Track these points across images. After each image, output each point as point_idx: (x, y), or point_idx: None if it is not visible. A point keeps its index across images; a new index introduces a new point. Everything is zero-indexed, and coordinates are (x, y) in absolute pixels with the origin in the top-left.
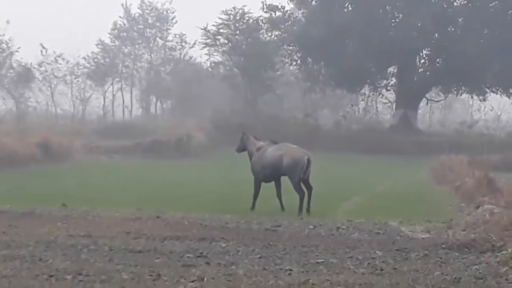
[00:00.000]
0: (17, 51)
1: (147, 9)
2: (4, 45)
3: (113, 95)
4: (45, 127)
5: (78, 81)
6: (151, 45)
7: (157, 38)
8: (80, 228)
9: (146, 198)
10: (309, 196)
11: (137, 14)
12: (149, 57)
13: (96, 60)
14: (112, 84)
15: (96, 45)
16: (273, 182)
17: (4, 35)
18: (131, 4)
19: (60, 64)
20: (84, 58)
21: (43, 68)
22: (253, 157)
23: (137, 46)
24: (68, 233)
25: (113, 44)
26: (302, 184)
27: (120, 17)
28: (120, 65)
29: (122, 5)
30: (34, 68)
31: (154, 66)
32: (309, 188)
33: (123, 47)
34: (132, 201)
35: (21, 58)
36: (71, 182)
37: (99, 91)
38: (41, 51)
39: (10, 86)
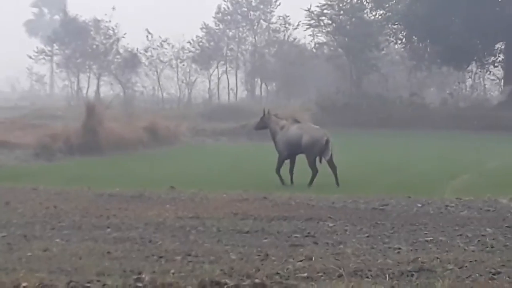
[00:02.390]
0: (123, 37)
1: None
2: (110, 31)
3: (218, 78)
4: (152, 111)
5: (183, 65)
6: (255, 27)
7: (261, 21)
8: (188, 210)
9: (253, 180)
10: (335, 175)
11: None
12: (253, 39)
13: (201, 44)
14: (217, 67)
15: (201, 29)
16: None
17: (110, 21)
18: None
19: (166, 48)
20: (189, 42)
21: (149, 53)
22: (278, 135)
23: (241, 29)
24: (177, 215)
25: (218, 27)
26: (327, 164)
27: (224, 0)
28: (224, 48)
29: None
30: (140, 53)
31: (258, 49)
32: (334, 168)
33: (228, 30)
34: (238, 183)
35: (127, 44)
36: (178, 165)
37: (204, 74)
38: (147, 36)
39: (117, 72)
